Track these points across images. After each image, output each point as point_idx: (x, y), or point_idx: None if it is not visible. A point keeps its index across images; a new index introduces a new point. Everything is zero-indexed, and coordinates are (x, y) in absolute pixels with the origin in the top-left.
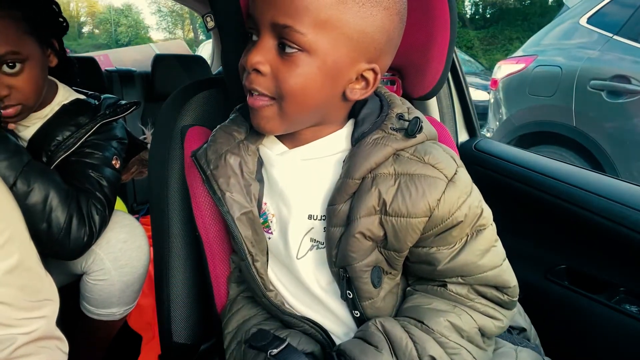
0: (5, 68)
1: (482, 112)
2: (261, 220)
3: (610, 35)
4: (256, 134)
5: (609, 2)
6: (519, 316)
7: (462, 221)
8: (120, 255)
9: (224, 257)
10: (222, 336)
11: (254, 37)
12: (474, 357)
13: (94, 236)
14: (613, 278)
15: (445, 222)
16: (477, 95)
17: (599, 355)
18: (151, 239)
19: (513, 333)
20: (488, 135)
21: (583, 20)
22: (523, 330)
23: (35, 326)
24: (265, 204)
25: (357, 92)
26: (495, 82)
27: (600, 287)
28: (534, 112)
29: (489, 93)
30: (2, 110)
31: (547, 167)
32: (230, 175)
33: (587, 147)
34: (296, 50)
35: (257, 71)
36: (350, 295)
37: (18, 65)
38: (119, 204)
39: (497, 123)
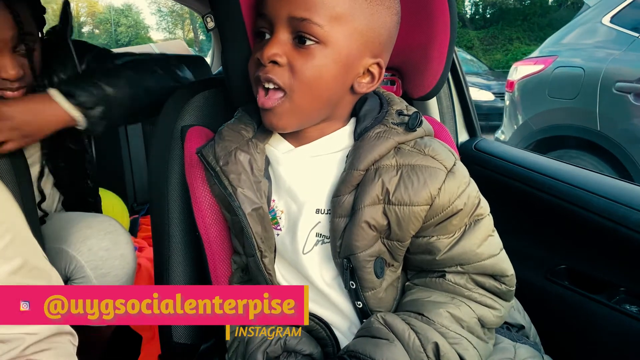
0: (21, 48)
1: (486, 112)
2: (270, 216)
3: (637, 35)
4: (263, 132)
5: (632, 0)
6: (517, 314)
7: (461, 209)
8: (101, 263)
9: (224, 258)
10: (222, 336)
11: (267, 36)
12: (475, 348)
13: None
14: (613, 278)
15: (446, 211)
16: (480, 95)
17: (599, 355)
18: (151, 239)
19: (512, 330)
20: (502, 137)
21: (606, 20)
22: (522, 327)
23: (45, 325)
24: (274, 200)
25: (364, 85)
26: (511, 84)
27: (600, 287)
28: (554, 115)
29: (501, 94)
30: (11, 92)
31: (547, 167)
32: (241, 171)
33: (612, 152)
34: (313, 43)
35: (274, 63)
36: (353, 285)
37: (31, 47)
38: (120, 204)
39: (514, 126)
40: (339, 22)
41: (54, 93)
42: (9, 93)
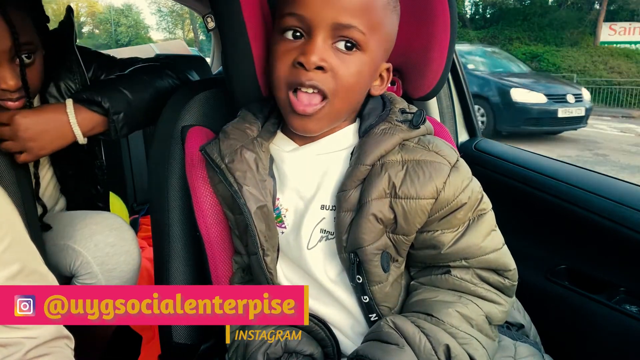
0: (20, 58)
1: (536, 116)
2: (274, 215)
3: None
4: (268, 132)
5: None
6: (517, 314)
7: (465, 203)
8: (107, 259)
9: (225, 258)
10: (222, 336)
11: (298, 36)
12: (484, 347)
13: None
14: (613, 278)
15: (451, 205)
16: (530, 97)
17: (599, 355)
18: (151, 239)
19: (512, 329)
20: None
21: None
22: (521, 326)
23: (45, 329)
24: (278, 199)
25: (377, 88)
26: None
27: (600, 287)
28: None
29: (553, 96)
30: (12, 103)
31: (547, 167)
32: (247, 169)
33: None
34: (355, 49)
35: (319, 68)
36: (359, 280)
37: (31, 56)
38: (119, 203)
39: None
40: (375, 30)
41: (69, 104)
42: (10, 103)
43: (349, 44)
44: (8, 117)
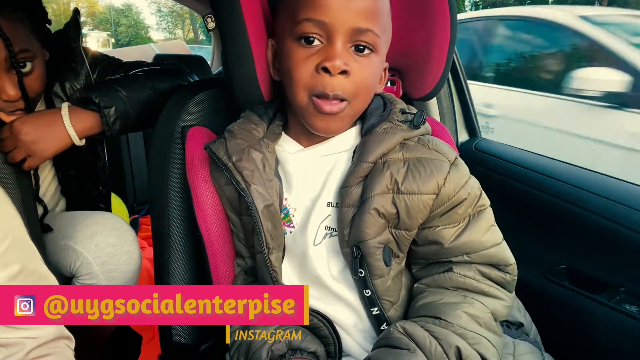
0: (17, 66)
1: None
2: (282, 215)
3: None
4: (273, 133)
5: None
6: (517, 312)
7: (465, 199)
8: (108, 259)
9: (225, 258)
10: (222, 336)
11: (311, 40)
12: (494, 346)
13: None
14: (613, 278)
15: (451, 200)
16: None
17: (600, 355)
18: (151, 239)
19: (512, 328)
20: None
21: None
22: (521, 325)
23: (45, 329)
24: (286, 199)
25: (378, 87)
26: None
27: (600, 287)
28: None
29: None
30: (4, 116)
31: (547, 167)
32: (254, 169)
33: None
34: (369, 52)
35: (342, 72)
36: (362, 273)
37: (28, 65)
38: (119, 203)
39: None
40: (384, 32)
41: (64, 107)
42: (4, 116)
43: (363, 47)
44: (8, 126)
